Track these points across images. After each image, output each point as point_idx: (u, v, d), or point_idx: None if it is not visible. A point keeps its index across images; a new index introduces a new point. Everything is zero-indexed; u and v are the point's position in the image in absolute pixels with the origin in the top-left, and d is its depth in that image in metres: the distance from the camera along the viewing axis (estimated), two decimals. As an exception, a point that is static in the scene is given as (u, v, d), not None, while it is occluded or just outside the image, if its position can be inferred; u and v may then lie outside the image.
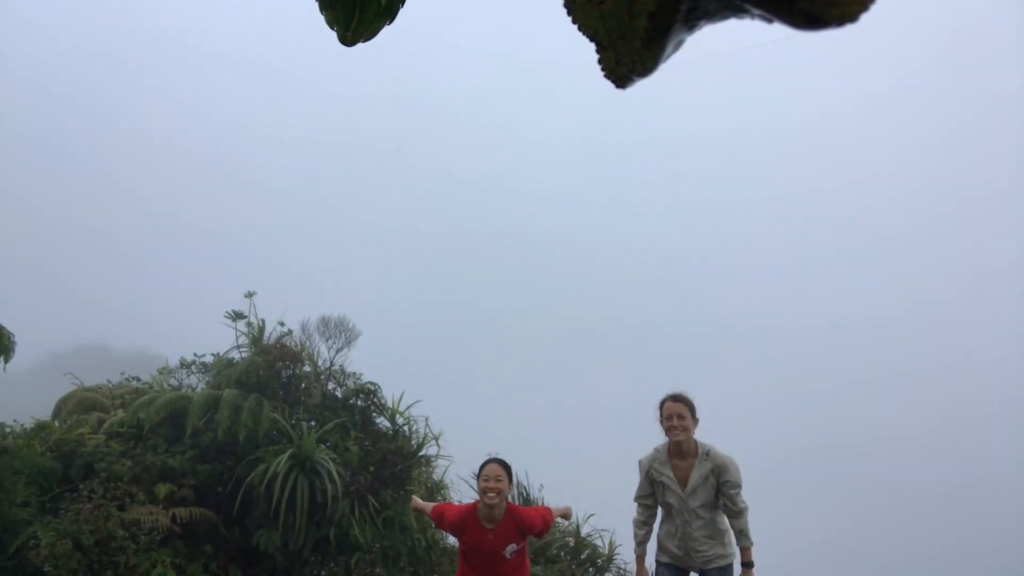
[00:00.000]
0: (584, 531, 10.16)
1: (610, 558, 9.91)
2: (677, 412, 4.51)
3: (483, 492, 4.32)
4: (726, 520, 4.54)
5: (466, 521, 4.38)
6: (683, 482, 4.53)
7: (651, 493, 4.73)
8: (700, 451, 4.53)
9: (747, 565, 4.39)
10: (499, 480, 4.31)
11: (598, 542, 10.09)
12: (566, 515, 5.09)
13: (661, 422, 4.62)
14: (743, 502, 4.46)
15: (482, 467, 4.45)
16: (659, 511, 4.83)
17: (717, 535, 4.52)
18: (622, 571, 9.92)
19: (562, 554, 9.81)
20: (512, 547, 4.34)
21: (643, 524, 4.80)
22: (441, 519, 4.56)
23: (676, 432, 4.50)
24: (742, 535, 4.43)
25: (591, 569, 9.71)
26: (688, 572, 4.61)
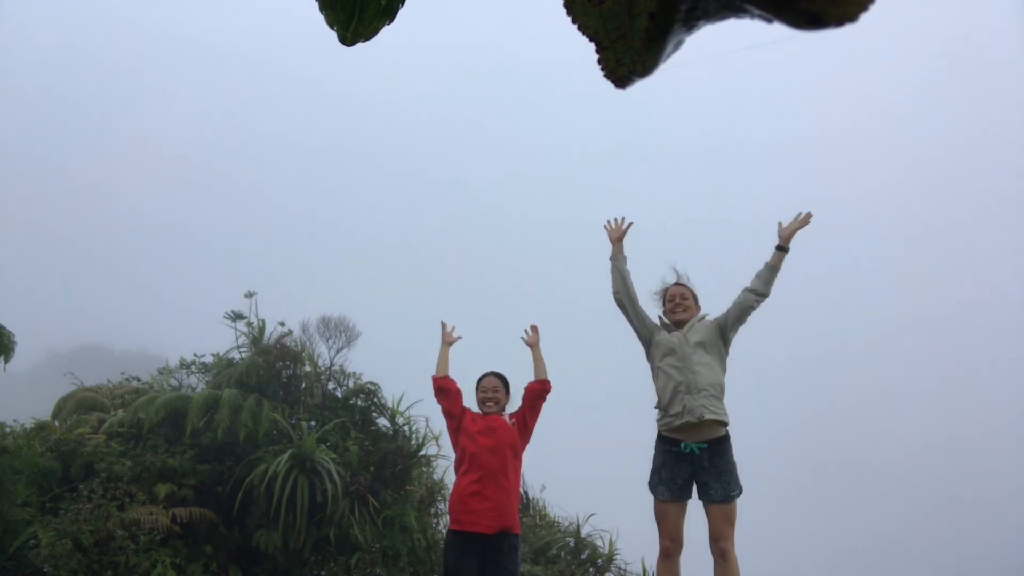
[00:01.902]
0: (584, 531, 10.16)
1: (610, 558, 9.91)
2: (680, 293, 4.36)
3: (482, 403, 4.43)
4: (724, 377, 4.21)
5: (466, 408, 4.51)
6: (681, 326, 4.30)
7: (640, 310, 4.41)
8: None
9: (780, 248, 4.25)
10: (496, 391, 4.44)
11: (598, 542, 10.10)
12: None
13: (663, 312, 4.42)
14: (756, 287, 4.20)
15: (480, 379, 4.52)
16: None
17: (718, 387, 4.13)
18: (622, 571, 9.92)
19: (562, 554, 9.80)
20: (511, 417, 4.41)
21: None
22: (449, 388, 4.50)
23: (678, 312, 4.31)
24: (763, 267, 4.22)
25: (591, 569, 9.70)
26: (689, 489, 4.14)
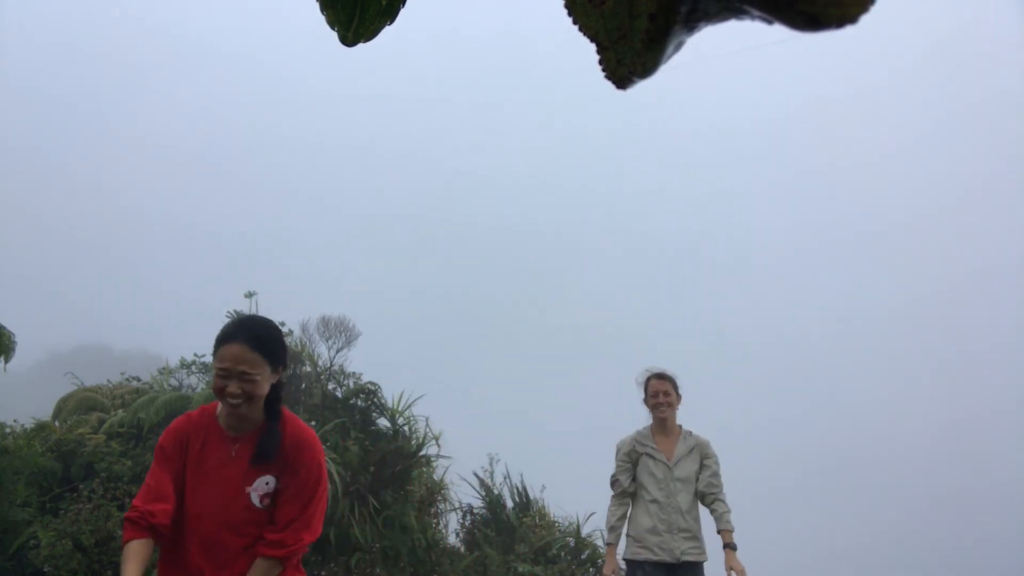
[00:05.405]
0: (584, 531, 10.16)
1: (610, 558, 9.89)
2: (663, 389, 4.63)
3: (219, 391, 2.31)
4: (700, 515, 4.52)
5: (199, 424, 2.43)
6: (668, 454, 4.59)
7: (630, 470, 4.68)
8: (683, 430, 4.68)
9: (730, 546, 4.33)
10: (248, 367, 2.27)
11: (598, 542, 10.09)
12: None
13: (646, 401, 4.73)
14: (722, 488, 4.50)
15: (219, 346, 2.32)
16: (630, 506, 4.72)
17: (697, 523, 4.47)
18: (623, 571, 9.92)
19: (562, 554, 9.80)
20: (267, 482, 2.35)
21: (619, 507, 4.71)
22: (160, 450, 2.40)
23: (663, 409, 4.61)
24: (723, 519, 4.39)
25: (591, 569, 9.70)
26: (668, 569, 4.44)
